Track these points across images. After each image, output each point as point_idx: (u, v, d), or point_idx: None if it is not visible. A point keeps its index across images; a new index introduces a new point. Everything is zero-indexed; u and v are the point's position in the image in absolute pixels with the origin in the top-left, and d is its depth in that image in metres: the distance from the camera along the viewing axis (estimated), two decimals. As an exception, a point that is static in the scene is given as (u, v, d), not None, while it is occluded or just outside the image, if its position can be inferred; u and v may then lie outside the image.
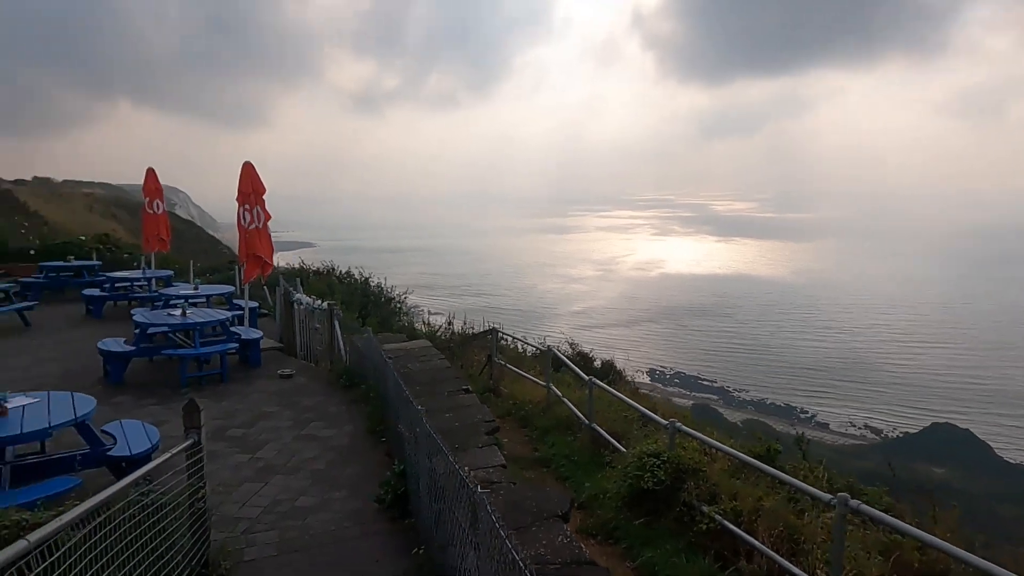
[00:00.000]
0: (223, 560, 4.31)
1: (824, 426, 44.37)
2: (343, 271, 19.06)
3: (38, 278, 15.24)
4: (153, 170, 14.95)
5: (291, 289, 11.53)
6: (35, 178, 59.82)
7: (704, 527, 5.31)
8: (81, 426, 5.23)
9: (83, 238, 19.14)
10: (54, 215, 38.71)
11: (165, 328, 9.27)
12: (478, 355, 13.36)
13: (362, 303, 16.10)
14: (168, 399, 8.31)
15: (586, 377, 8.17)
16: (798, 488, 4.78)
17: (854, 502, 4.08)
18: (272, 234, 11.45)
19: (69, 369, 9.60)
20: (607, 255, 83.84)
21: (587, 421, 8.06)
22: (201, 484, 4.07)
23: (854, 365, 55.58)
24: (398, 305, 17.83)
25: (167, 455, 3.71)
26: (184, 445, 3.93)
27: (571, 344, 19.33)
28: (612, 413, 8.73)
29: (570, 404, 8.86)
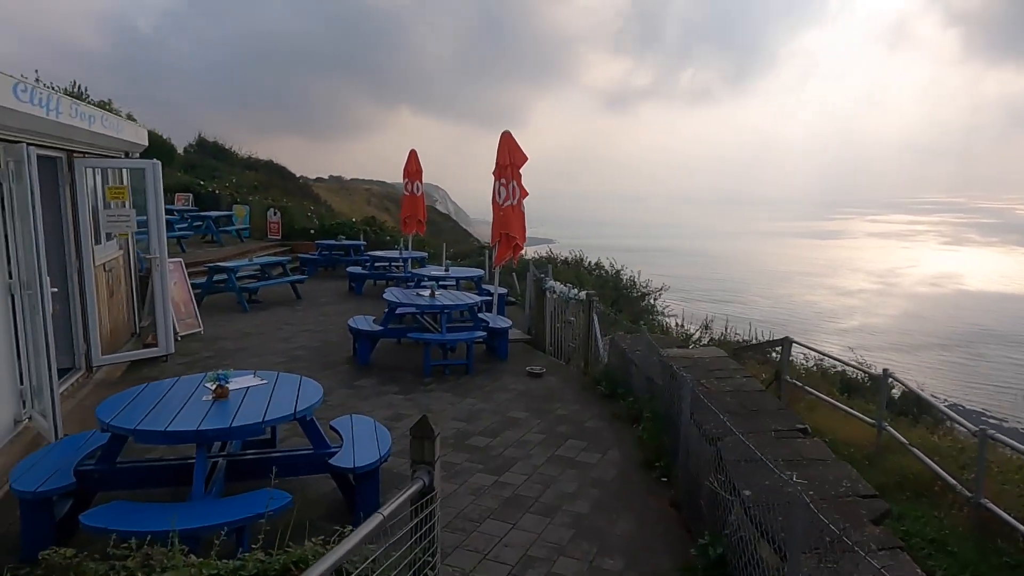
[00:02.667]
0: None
1: None
2: (592, 261, 17.63)
3: (314, 255, 16.26)
4: (415, 152, 14.91)
5: (543, 276, 10.23)
6: (331, 176, 69.41)
7: None
8: (305, 422, 4.17)
9: (353, 220, 20.36)
10: (339, 206, 43.83)
11: (413, 309, 8.47)
12: (756, 370, 10.88)
13: (613, 297, 14.44)
14: (411, 388, 7.38)
15: (972, 427, 5.41)
16: None
17: None
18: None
19: (323, 343, 9.34)
20: (884, 266, 71.57)
21: (968, 492, 5.33)
22: (431, 555, 2.54)
23: None
24: (651, 302, 15.87)
25: (387, 508, 2.21)
26: (410, 491, 2.42)
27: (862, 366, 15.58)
28: (1006, 481, 5.80)
29: (923, 456, 6.12)
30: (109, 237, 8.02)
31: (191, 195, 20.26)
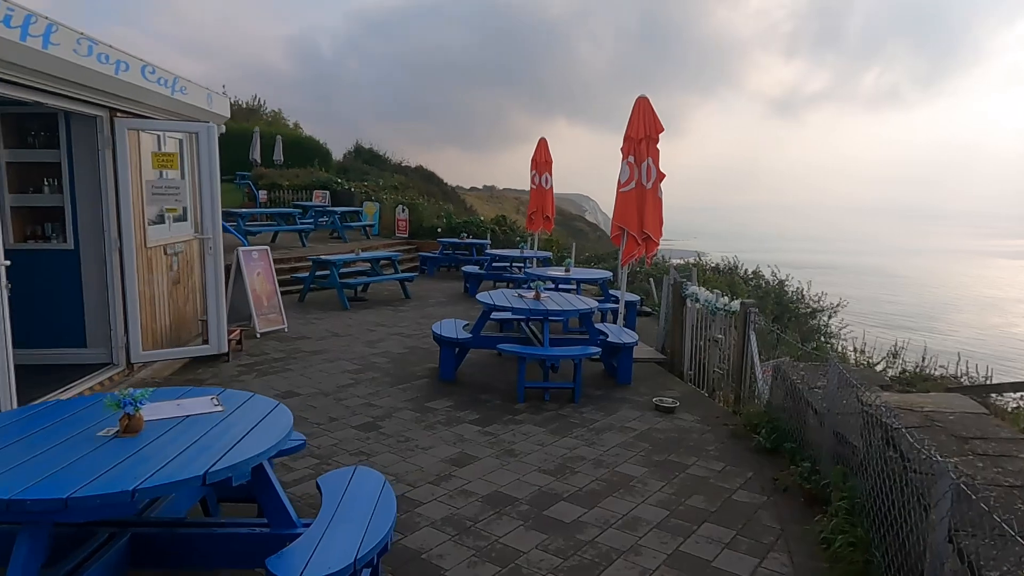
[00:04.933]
0: None
1: None
2: (749, 270, 14.88)
3: (435, 253, 15.22)
4: (545, 140, 13.26)
5: (684, 280, 8.07)
6: (484, 186, 70.72)
7: None
8: (258, 482, 2.54)
9: (482, 218, 19.19)
10: (487, 212, 43.65)
11: (508, 313, 6.73)
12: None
13: (775, 312, 11.77)
14: (494, 416, 5.63)
15: None
16: None
17: None
18: (663, 243, 8.15)
19: (411, 349, 7.92)
20: (1124, 294, 58.37)
21: None
22: None
23: None
24: (824, 322, 12.89)
25: None
26: None
27: None
28: None
29: None
30: (182, 216, 7.15)
31: (328, 192, 20.26)
